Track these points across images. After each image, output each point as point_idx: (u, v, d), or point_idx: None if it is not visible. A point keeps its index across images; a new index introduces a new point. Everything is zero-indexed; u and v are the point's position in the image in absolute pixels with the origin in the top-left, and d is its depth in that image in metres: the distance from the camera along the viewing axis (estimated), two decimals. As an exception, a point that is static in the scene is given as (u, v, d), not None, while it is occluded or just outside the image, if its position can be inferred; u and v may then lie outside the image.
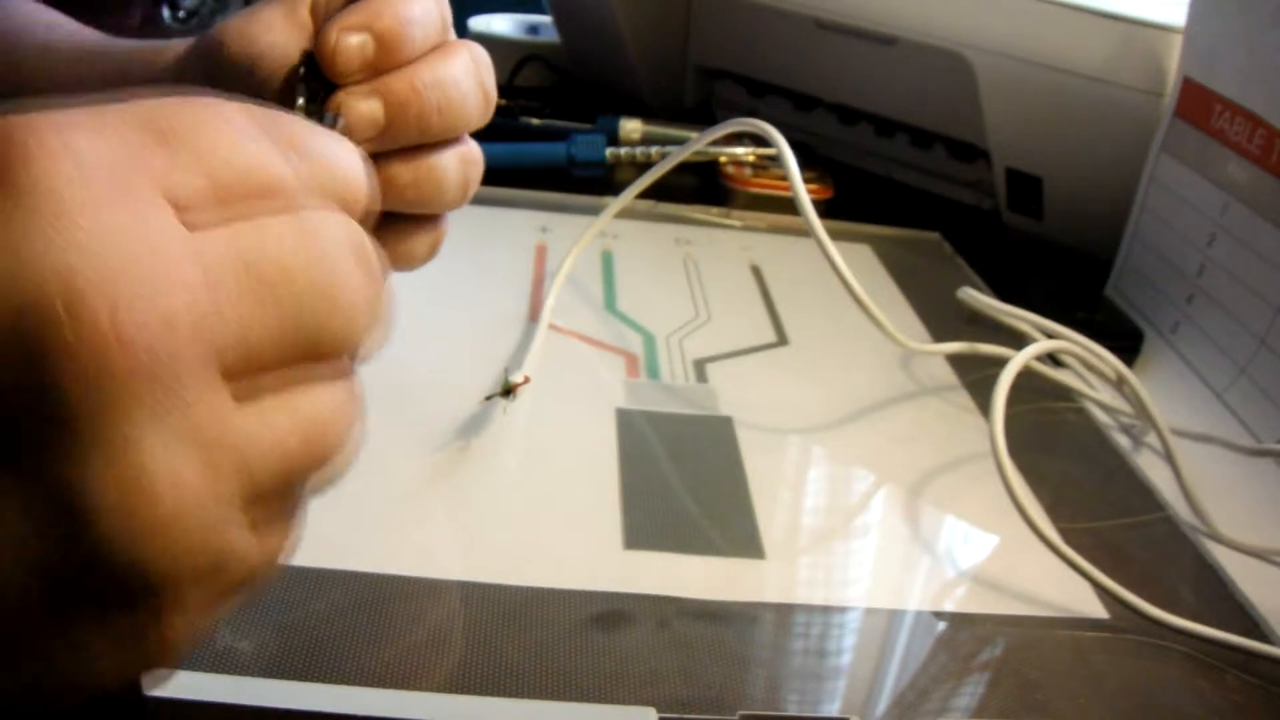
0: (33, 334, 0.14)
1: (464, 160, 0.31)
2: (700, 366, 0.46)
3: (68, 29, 0.44)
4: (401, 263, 0.32)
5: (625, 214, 0.61)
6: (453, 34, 0.31)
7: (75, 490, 0.15)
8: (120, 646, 0.16)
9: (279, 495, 0.18)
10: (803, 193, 0.43)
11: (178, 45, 0.36)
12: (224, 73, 0.30)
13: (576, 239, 0.51)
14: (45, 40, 0.42)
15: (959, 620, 0.33)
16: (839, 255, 0.42)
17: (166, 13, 1.59)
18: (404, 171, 0.30)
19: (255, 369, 0.17)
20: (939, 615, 0.34)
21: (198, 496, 0.16)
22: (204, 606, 0.17)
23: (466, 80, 0.29)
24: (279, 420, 0.17)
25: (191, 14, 1.66)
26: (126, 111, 0.17)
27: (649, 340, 0.48)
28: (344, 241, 0.18)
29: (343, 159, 0.20)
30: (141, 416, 0.15)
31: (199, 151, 0.17)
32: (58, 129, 0.15)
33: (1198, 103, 0.53)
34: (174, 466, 0.16)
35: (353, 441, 0.19)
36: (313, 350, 0.18)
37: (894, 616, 0.33)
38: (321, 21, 0.29)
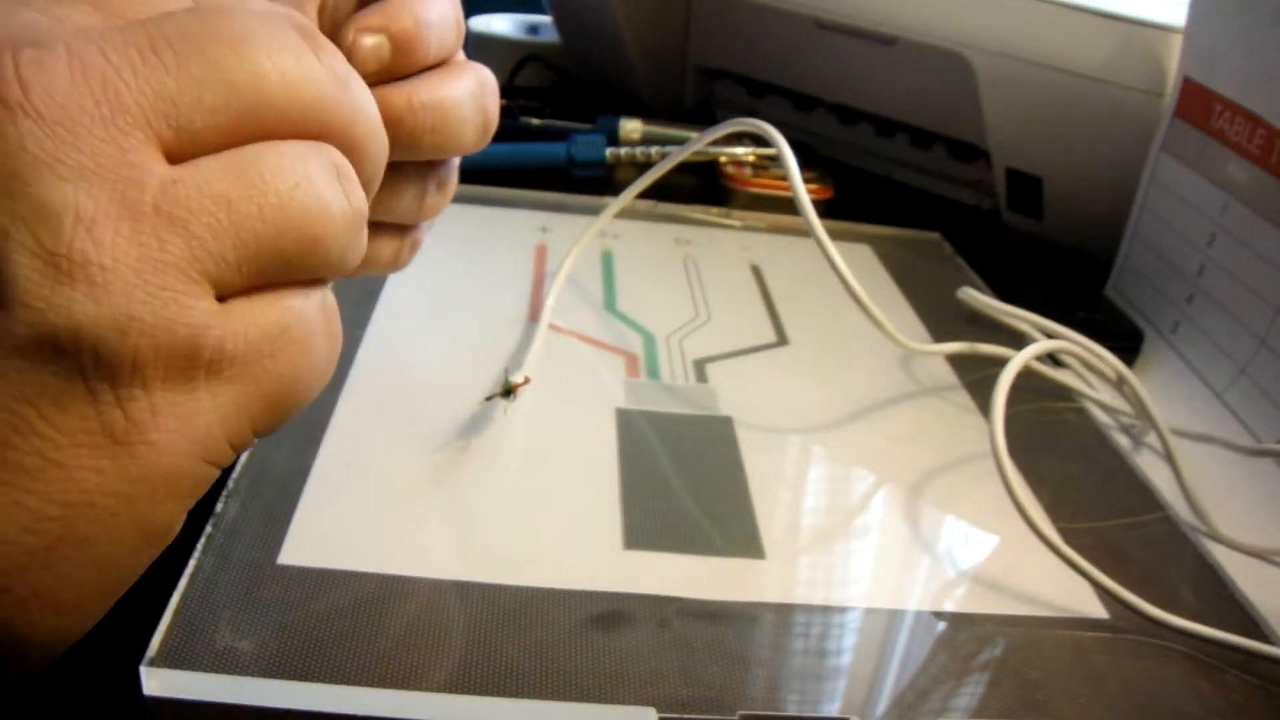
0: None
1: (441, 185, 0.31)
2: (700, 366, 0.46)
3: None
4: (365, 266, 0.31)
5: (625, 214, 0.61)
6: (461, 52, 0.30)
7: None
8: (85, 433, 0.16)
9: (253, 272, 0.17)
10: (803, 193, 0.43)
11: None
12: None
13: (576, 239, 0.51)
14: None
15: (959, 620, 0.33)
16: (839, 255, 0.42)
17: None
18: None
19: (192, 133, 0.16)
20: (939, 615, 0.34)
21: (118, 241, 0.15)
22: (175, 386, 0.16)
23: (467, 104, 0.28)
24: (216, 179, 0.16)
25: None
26: None
27: (649, 340, 0.48)
28: (269, 19, 0.17)
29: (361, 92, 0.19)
30: (43, 156, 0.15)
31: None
32: None
33: (1198, 103, 0.53)
34: (81, 205, 0.15)
35: (333, 217, 0.18)
36: (255, 115, 0.17)
37: (894, 616, 0.33)
38: (329, 24, 0.29)
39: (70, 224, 0.15)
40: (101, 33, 0.16)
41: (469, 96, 0.28)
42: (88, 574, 0.16)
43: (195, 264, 0.16)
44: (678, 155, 0.49)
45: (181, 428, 0.16)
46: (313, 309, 0.18)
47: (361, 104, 0.19)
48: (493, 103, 0.30)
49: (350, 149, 0.19)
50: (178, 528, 0.18)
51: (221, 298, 0.17)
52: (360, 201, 0.19)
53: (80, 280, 0.15)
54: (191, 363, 0.16)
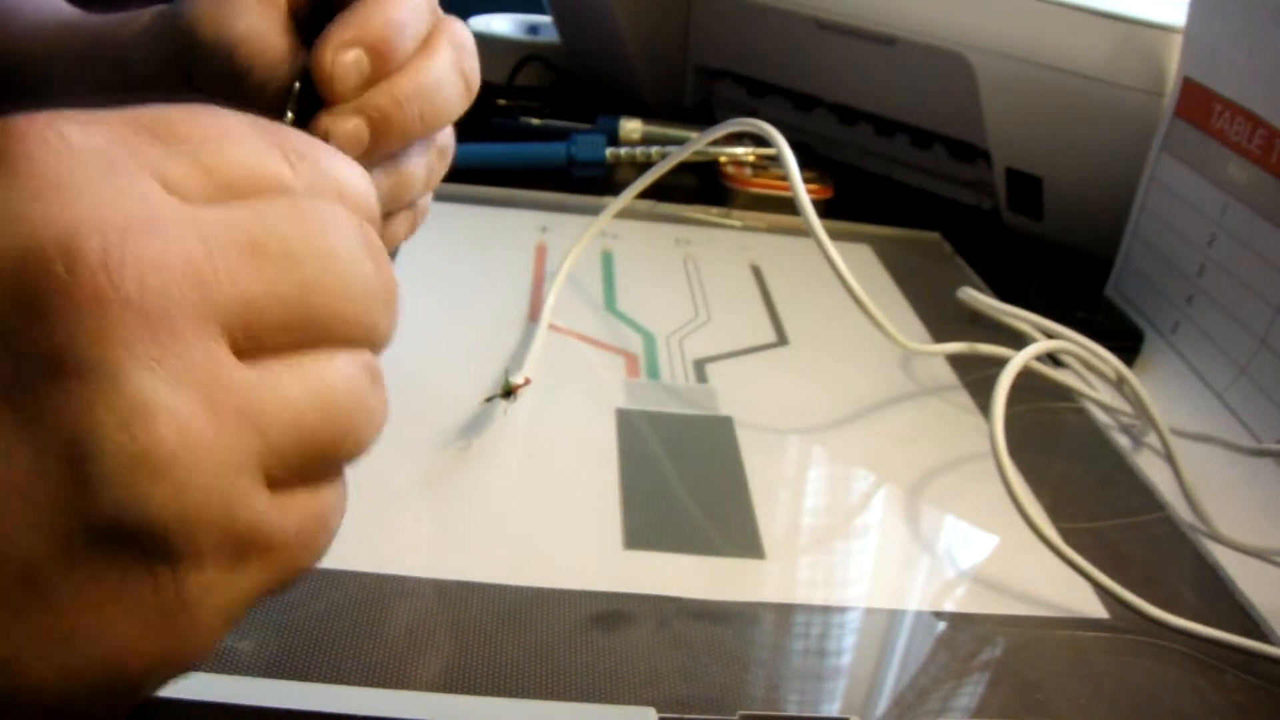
0: (30, 276, 0.15)
1: (441, 153, 0.31)
2: (700, 366, 0.46)
3: (54, 4, 0.43)
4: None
5: (625, 214, 0.61)
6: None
7: (77, 428, 0.15)
8: (138, 607, 0.16)
9: (300, 467, 0.18)
10: (803, 193, 0.43)
11: (143, 15, 0.35)
12: (198, 57, 0.30)
13: (576, 239, 0.51)
14: (33, 19, 0.41)
15: (959, 620, 0.33)
16: (839, 255, 0.42)
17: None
18: (380, 175, 0.29)
19: (261, 338, 0.17)
20: (939, 615, 0.34)
21: (203, 441, 0.16)
22: (224, 570, 0.17)
23: (449, 78, 0.29)
24: (289, 385, 0.18)
25: None
26: (122, 112, 0.18)
27: (649, 340, 0.48)
28: (348, 227, 0.19)
29: (346, 170, 0.20)
30: (138, 351, 0.15)
31: (194, 145, 0.18)
32: (50, 120, 0.16)
33: (1198, 103, 0.53)
34: (174, 405, 0.16)
35: (373, 416, 0.20)
36: (323, 332, 0.18)
37: (894, 616, 0.33)
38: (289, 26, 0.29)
39: (163, 423, 0.15)
40: (205, 228, 0.17)
41: (450, 69, 0.29)
42: (101, 709, 0.17)
43: (261, 463, 0.17)
44: (678, 155, 0.49)
45: (222, 604, 0.17)
46: (344, 496, 0.20)
47: (397, 308, 0.20)
48: (471, 64, 0.30)
49: (382, 346, 0.20)
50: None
51: (271, 488, 0.18)
52: (385, 400, 0.20)
53: (163, 477, 0.15)
54: (244, 552, 0.17)
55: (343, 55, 0.26)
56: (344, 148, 0.27)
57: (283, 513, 0.18)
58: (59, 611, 0.16)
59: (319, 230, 0.18)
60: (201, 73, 0.30)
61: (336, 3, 0.29)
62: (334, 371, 0.18)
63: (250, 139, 0.19)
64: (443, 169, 0.32)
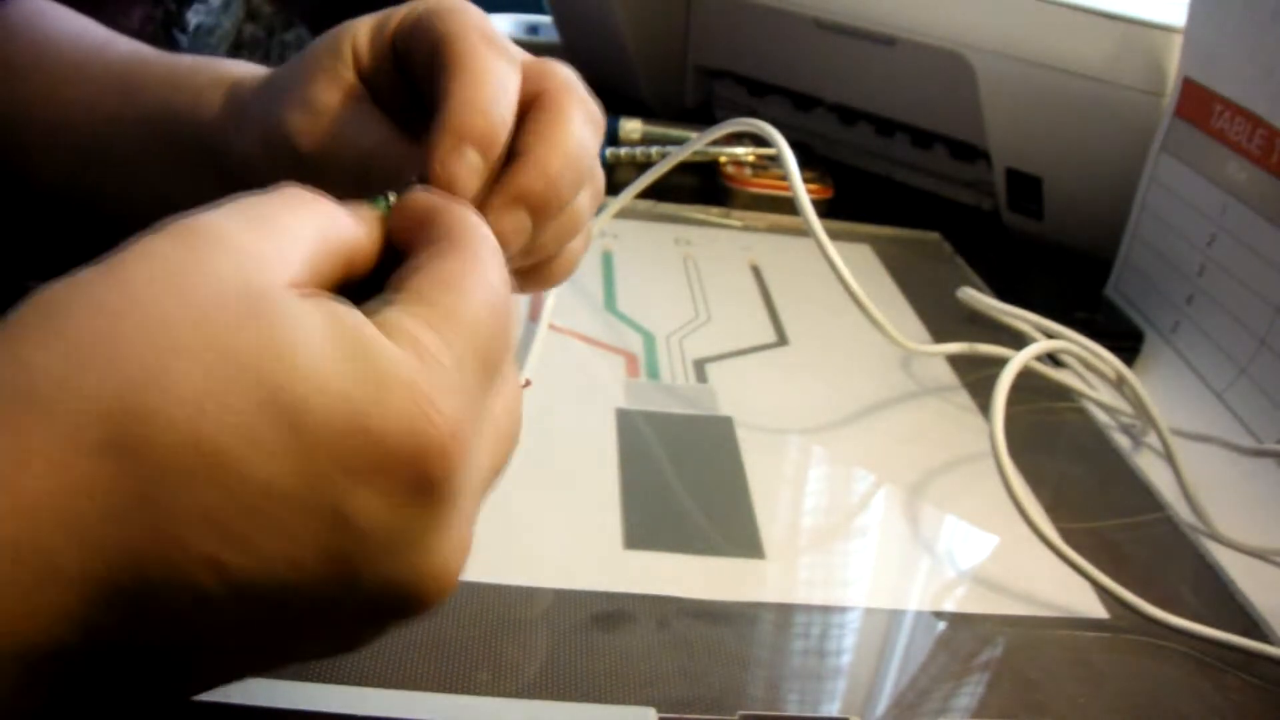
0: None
1: (593, 180, 0.31)
2: (700, 366, 0.46)
3: (93, 38, 0.44)
4: (559, 277, 0.35)
5: (625, 214, 0.61)
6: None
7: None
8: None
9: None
10: (802, 193, 0.43)
11: (209, 100, 0.36)
12: (305, 170, 0.30)
13: (576, 239, 0.51)
14: (74, 59, 0.42)
15: (959, 620, 0.33)
16: (838, 255, 0.42)
17: (179, 35, 1.59)
18: (549, 242, 0.31)
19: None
20: (939, 615, 0.34)
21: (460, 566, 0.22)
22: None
23: (583, 132, 0.29)
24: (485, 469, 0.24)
25: (200, 30, 1.66)
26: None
27: (649, 340, 0.48)
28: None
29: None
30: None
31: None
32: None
33: (1198, 103, 0.53)
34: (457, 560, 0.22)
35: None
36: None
37: (894, 616, 0.33)
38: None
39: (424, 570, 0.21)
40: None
41: (582, 124, 0.29)
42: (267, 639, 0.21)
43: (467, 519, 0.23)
44: (677, 155, 0.49)
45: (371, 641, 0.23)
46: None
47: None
48: (592, 106, 0.31)
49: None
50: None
51: None
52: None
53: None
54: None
55: (454, 162, 0.26)
56: (511, 243, 0.27)
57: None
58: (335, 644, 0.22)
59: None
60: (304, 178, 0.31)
61: (420, 82, 0.29)
62: (506, 413, 0.24)
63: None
64: (600, 193, 0.33)
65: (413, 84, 0.31)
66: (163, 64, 0.40)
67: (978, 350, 0.46)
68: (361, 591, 0.20)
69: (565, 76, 0.29)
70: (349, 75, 0.31)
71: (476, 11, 0.29)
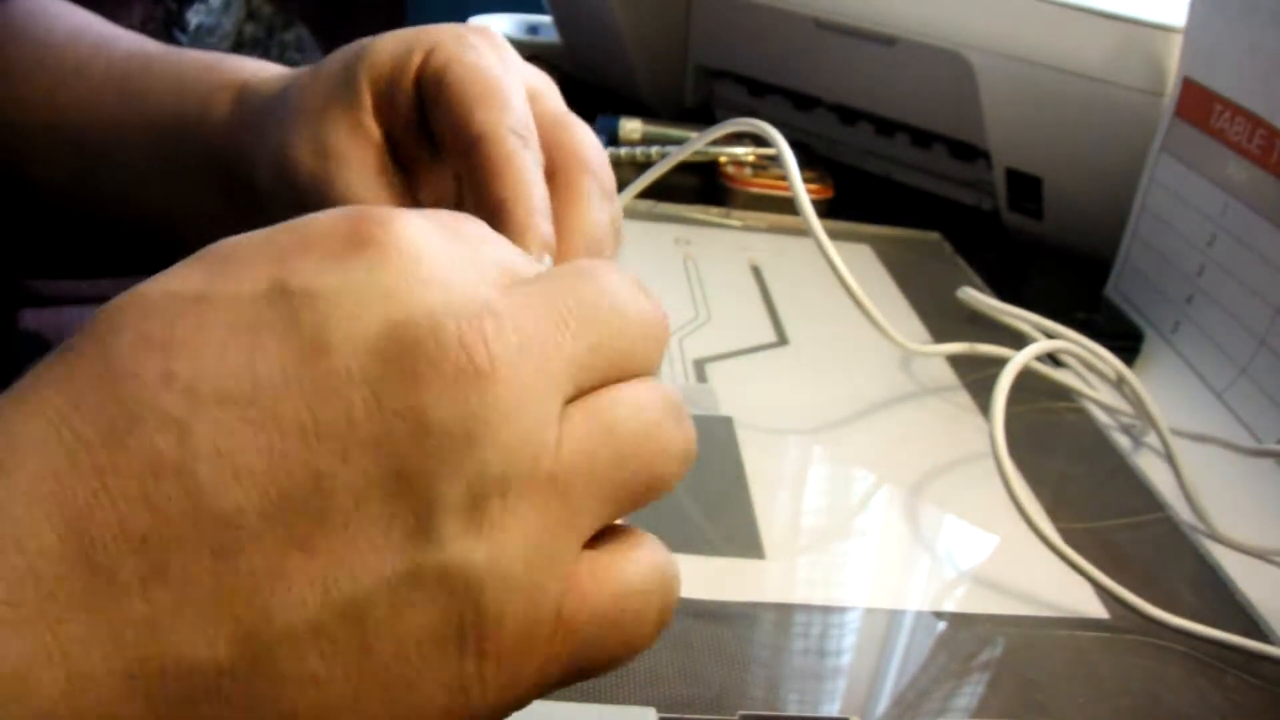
0: (403, 344, 0.17)
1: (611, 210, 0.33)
2: (700, 366, 0.46)
3: (94, 34, 0.43)
4: None
5: (625, 214, 0.61)
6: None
7: (429, 482, 0.17)
8: (445, 673, 0.18)
9: (600, 520, 0.20)
10: (802, 193, 0.43)
11: (217, 103, 0.36)
12: (307, 204, 0.30)
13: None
14: (75, 58, 0.42)
15: (959, 620, 0.33)
16: (838, 255, 0.42)
17: (179, 35, 1.60)
18: None
19: (583, 389, 0.19)
20: (939, 615, 0.34)
21: (521, 502, 0.18)
22: (520, 654, 0.19)
23: (603, 217, 0.30)
24: (589, 444, 0.19)
25: (201, 30, 1.66)
26: (431, 213, 0.20)
27: (649, 340, 0.48)
28: (618, 277, 0.21)
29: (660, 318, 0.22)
30: (489, 421, 0.17)
31: (491, 244, 0.20)
32: (408, 216, 0.19)
33: (1198, 103, 0.53)
34: (506, 479, 0.17)
35: (671, 444, 0.21)
36: (620, 372, 0.20)
37: (894, 616, 0.33)
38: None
39: (495, 487, 0.17)
40: (525, 307, 0.18)
41: (600, 197, 0.30)
42: None
43: (568, 529, 0.18)
44: (677, 155, 0.49)
45: (512, 687, 0.18)
46: (653, 608, 0.20)
47: (668, 334, 0.22)
48: (615, 248, 0.33)
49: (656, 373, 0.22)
50: None
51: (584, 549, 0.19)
52: (692, 434, 0.21)
53: (485, 534, 0.17)
54: (536, 633, 0.18)
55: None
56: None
57: (582, 590, 0.19)
58: (378, 657, 0.17)
59: (609, 288, 0.20)
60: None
61: (441, 133, 0.29)
62: (633, 413, 0.20)
63: (504, 242, 0.21)
64: (614, 256, 0.34)
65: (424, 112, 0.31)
66: (167, 64, 0.40)
67: (978, 350, 0.46)
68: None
69: (578, 150, 0.30)
70: (364, 118, 0.30)
71: (499, 87, 0.29)
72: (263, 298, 0.17)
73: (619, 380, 0.20)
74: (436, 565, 0.17)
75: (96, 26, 0.44)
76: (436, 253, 0.18)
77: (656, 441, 0.20)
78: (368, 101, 0.30)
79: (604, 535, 0.20)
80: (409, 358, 0.17)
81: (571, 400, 0.19)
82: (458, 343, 0.17)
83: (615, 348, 0.20)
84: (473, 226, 0.20)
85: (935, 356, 0.49)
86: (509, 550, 0.17)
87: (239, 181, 0.35)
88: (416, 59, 0.30)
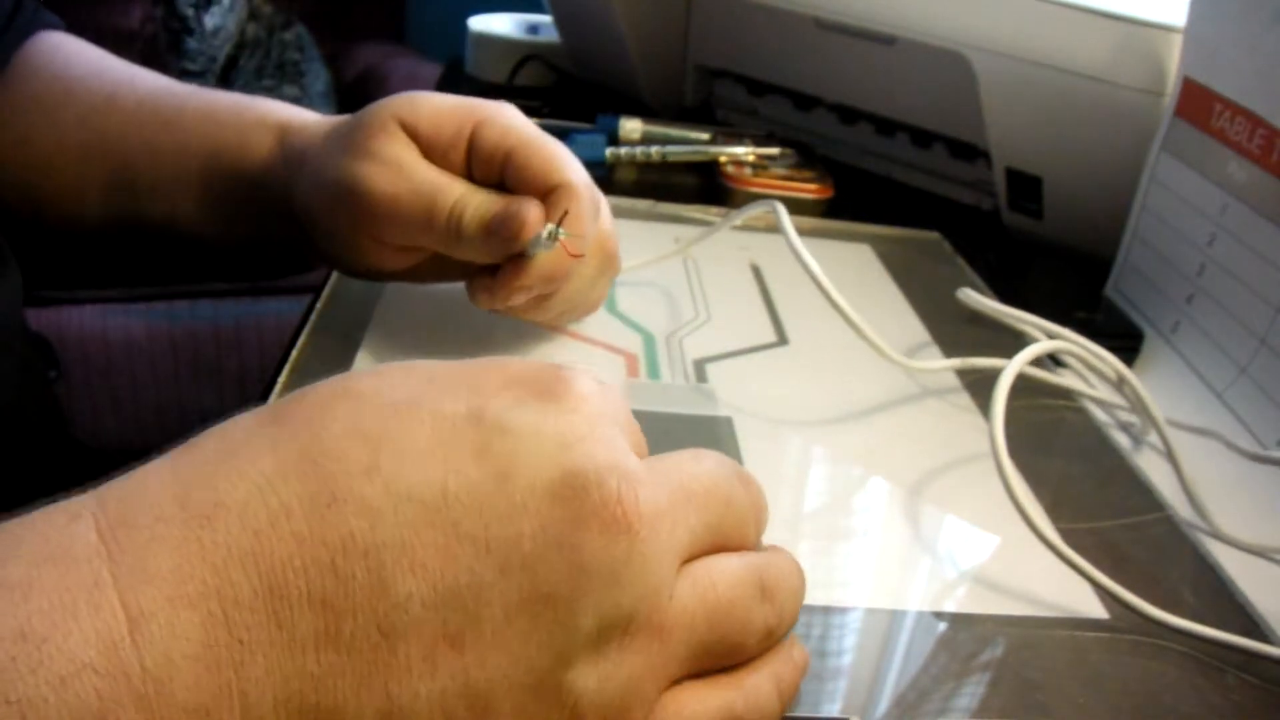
0: (574, 490, 0.20)
1: (608, 266, 0.45)
2: (700, 366, 0.46)
3: (116, 71, 0.47)
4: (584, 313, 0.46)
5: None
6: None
7: (583, 610, 0.20)
8: None
9: (690, 666, 0.22)
10: (825, 282, 0.43)
11: (258, 142, 0.41)
12: (370, 214, 0.37)
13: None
14: (101, 90, 0.45)
15: (959, 620, 0.33)
16: (829, 279, 0.42)
17: (188, 39, 1.59)
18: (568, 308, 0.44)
19: (693, 556, 0.23)
20: (939, 615, 0.34)
21: (639, 642, 0.21)
22: None
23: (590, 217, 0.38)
24: (690, 603, 0.22)
25: (209, 33, 1.65)
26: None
27: (649, 340, 0.48)
28: (726, 467, 0.24)
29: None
30: (634, 565, 0.20)
31: (624, 419, 0.24)
32: (585, 377, 0.23)
33: (1198, 103, 0.53)
34: (638, 610, 0.21)
35: (753, 619, 0.23)
36: (722, 544, 0.23)
37: (894, 616, 0.33)
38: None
39: (620, 626, 0.20)
40: (660, 480, 0.22)
41: (605, 275, 0.42)
42: None
43: (660, 670, 0.21)
44: (720, 225, 0.49)
45: None
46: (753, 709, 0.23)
47: (766, 518, 0.26)
48: (597, 196, 0.40)
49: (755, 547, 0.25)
50: None
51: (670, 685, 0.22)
52: (780, 614, 0.24)
53: (600, 664, 0.20)
54: None
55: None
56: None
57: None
58: None
59: (722, 476, 0.24)
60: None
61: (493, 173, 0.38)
62: (727, 587, 0.22)
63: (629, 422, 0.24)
64: (615, 264, 0.44)
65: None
66: (200, 100, 0.44)
67: (975, 365, 0.46)
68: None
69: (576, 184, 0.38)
70: (404, 136, 0.36)
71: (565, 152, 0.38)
72: (464, 418, 0.20)
73: (723, 550, 0.23)
74: (557, 682, 0.19)
75: (117, 64, 0.48)
76: (604, 415, 0.22)
77: (744, 614, 0.23)
78: (400, 131, 0.37)
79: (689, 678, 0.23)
80: (576, 501, 0.20)
81: (684, 563, 0.22)
82: (616, 498, 0.20)
83: (723, 524, 0.23)
84: (615, 393, 0.24)
85: (935, 356, 0.49)
86: (615, 680, 0.20)
87: (275, 208, 0.40)
88: (469, 133, 0.37)
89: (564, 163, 0.37)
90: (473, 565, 0.19)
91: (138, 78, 0.47)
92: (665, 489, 0.21)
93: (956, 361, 0.46)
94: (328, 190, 0.37)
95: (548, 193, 0.36)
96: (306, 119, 0.42)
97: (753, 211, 0.47)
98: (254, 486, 0.18)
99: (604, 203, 0.41)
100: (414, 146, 0.36)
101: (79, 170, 0.45)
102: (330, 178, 0.37)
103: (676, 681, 0.22)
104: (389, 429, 0.19)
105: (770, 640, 0.24)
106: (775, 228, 0.54)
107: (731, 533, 0.23)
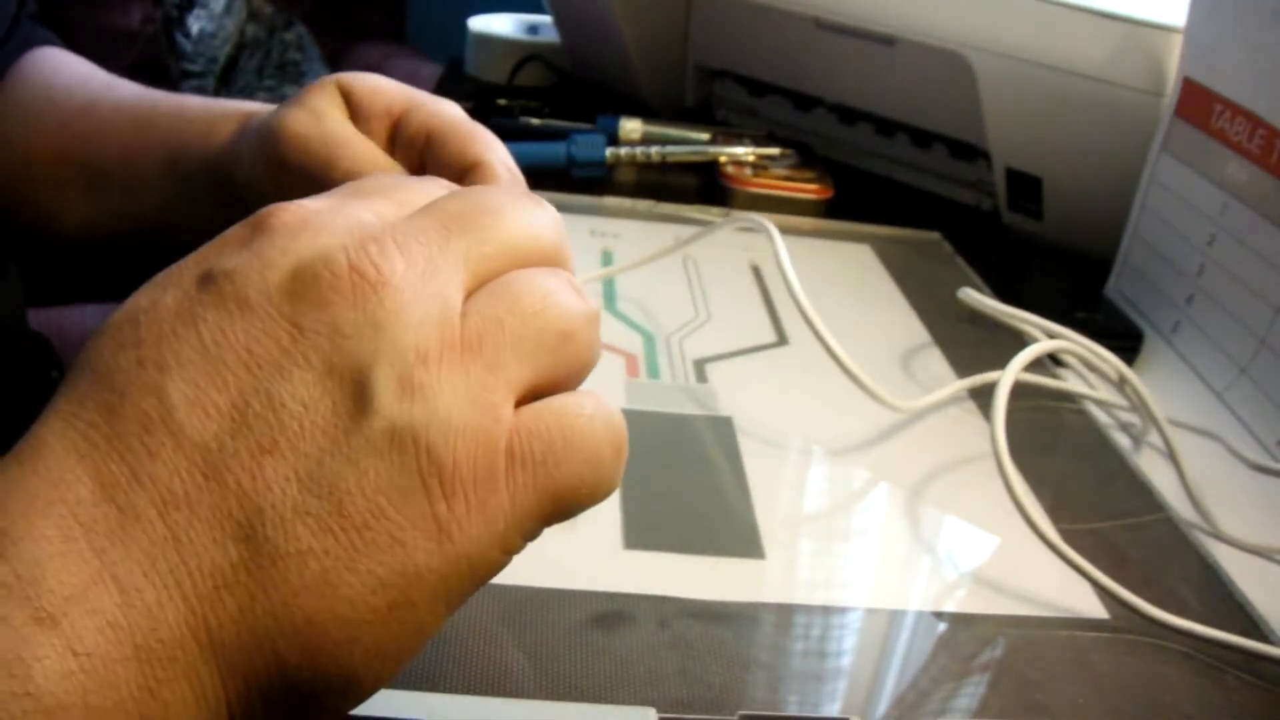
0: (304, 282, 0.21)
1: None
2: (700, 366, 0.46)
3: (99, 81, 0.49)
4: None
5: (625, 214, 0.61)
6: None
7: (358, 369, 0.20)
8: (419, 517, 0.21)
9: (525, 370, 0.22)
10: (792, 274, 0.43)
11: (222, 129, 0.41)
12: (302, 178, 0.35)
13: (576, 239, 0.51)
14: (82, 98, 0.46)
15: (959, 620, 0.33)
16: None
17: (181, 39, 1.59)
18: None
19: (480, 276, 0.22)
20: (939, 615, 0.34)
21: (443, 365, 0.21)
22: (482, 484, 0.21)
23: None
24: (489, 306, 0.22)
25: (203, 35, 1.66)
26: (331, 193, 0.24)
27: (649, 340, 0.48)
28: (504, 194, 0.24)
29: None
30: (389, 311, 0.21)
31: (384, 193, 0.24)
32: (282, 202, 0.23)
33: (1198, 103, 0.53)
34: (421, 340, 0.21)
35: (578, 324, 0.23)
36: (522, 258, 0.23)
37: (894, 616, 0.33)
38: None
39: (413, 358, 0.21)
40: (410, 226, 0.22)
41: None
42: (408, 633, 0.21)
43: (493, 380, 0.21)
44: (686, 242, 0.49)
45: (487, 521, 0.21)
46: (595, 422, 0.22)
47: (567, 239, 0.26)
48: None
49: (568, 268, 0.25)
50: (467, 599, 0.22)
51: (519, 403, 0.22)
52: (592, 303, 0.24)
53: (418, 397, 0.20)
54: (494, 465, 0.21)
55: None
56: None
57: (524, 429, 0.21)
58: (356, 518, 0.20)
59: (482, 198, 0.24)
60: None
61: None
62: (527, 282, 0.23)
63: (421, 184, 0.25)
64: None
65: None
66: (172, 101, 0.45)
67: (967, 385, 0.46)
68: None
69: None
70: (339, 97, 0.36)
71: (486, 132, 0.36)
72: (194, 288, 0.21)
73: (518, 269, 0.23)
74: (382, 429, 0.20)
75: (101, 73, 0.50)
76: (319, 211, 0.22)
77: (557, 305, 0.23)
78: (341, 99, 0.36)
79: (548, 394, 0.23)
80: (313, 290, 0.21)
81: (475, 290, 0.22)
82: (348, 266, 0.21)
83: (500, 240, 0.23)
84: (388, 180, 0.25)
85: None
86: (443, 404, 0.20)
87: (236, 190, 0.39)
88: (398, 108, 0.36)
89: (485, 144, 0.36)
90: (254, 384, 0.20)
91: (118, 86, 0.48)
92: (414, 230, 0.22)
93: (952, 387, 0.46)
94: (255, 139, 0.38)
95: (463, 173, 0.35)
96: (271, 108, 0.42)
97: (739, 224, 0.46)
98: (63, 421, 0.20)
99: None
100: (343, 107, 0.37)
101: (57, 176, 0.46)
102: (259, 125, 0.38)
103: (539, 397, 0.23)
104: (142, 330, 0.21)
105: (595, 324, 0.24)
106: (779, 229, 0.54)
107: (517, 245, 0.24)
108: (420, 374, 0.20)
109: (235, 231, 0.23)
